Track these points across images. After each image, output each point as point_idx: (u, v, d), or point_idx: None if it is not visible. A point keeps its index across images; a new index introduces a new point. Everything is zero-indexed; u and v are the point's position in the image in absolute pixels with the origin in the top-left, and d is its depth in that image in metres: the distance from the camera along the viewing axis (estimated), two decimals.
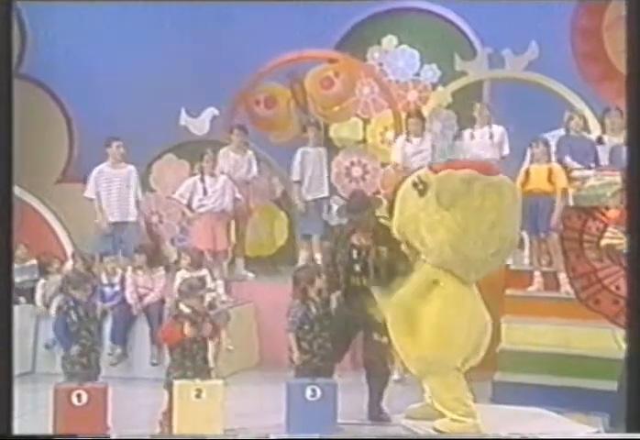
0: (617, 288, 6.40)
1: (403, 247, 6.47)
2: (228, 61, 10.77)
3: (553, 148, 8.55)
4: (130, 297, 8.90)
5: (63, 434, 6.13)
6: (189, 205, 9.51)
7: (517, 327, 7.70)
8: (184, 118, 10.33)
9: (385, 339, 6.58)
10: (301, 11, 10.54)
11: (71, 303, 6.89)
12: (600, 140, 8.87)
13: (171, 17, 10.82)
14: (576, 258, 7.49)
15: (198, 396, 6.24)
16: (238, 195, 9.68)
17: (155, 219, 10.55)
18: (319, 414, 6.41)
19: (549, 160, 8.31)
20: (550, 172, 8.18)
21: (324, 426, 6.33)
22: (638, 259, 4.85)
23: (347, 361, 7.41)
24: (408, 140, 9.53)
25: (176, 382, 6.35)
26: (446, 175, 6.11)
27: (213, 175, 9.51)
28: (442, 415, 6.29)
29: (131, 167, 9.60)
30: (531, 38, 10.21)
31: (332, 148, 10.63)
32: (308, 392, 6.46)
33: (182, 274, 8.75)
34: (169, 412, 6.40)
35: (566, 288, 7.82)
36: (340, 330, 6.90)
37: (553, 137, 9.05)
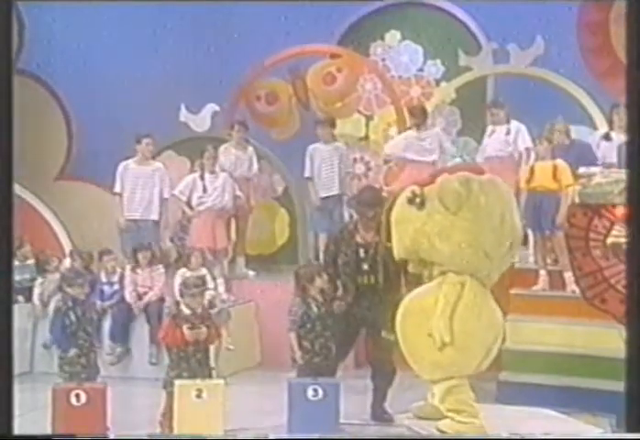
0: (624, 287, 6.39)
1: (412, 267, 6.38)
2: (229, 56, 10.77)
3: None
4: (129, 296, 8.91)
5: (63, 433, 6.14)
6: (188, 203, 9.50)
7: (522, 327, 7.71)
8: (184, 114, 10.33)
9: (393, 337, 6.57)
10: (303, 6, 10.53)
11: (69, 303, 6.89)
12: (607, 137, 8.87)
13: (171, 13, 10.81)
14: (582, 257, 7.50)
15: (199, 396, 6.23)
16: (239, 193, 9.67)
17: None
18: (321, 415, 6.40)
19: (554, 157, 8.31)
20: (555, 169, 8.18)
21: (326, 427, 6.32)
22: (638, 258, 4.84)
23: (350, 360, 7.42)
24: (414, 136, 9.54)
25: (176, 382, 6.35)
26: (444, 181, 6.15)
27: (213, 172, 9.50)
28: (446, 415, 6.29)
29: (159, 164, 9.56)
30: (536, 33, 10.20)
31: None
32: (310, 392, 6.45)
33: (182, 273, 8.76)
34: (169, 413, 6.41)
35: (572, 287, 7.83)
36: (344, 329, 6.90)
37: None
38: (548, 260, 8.31)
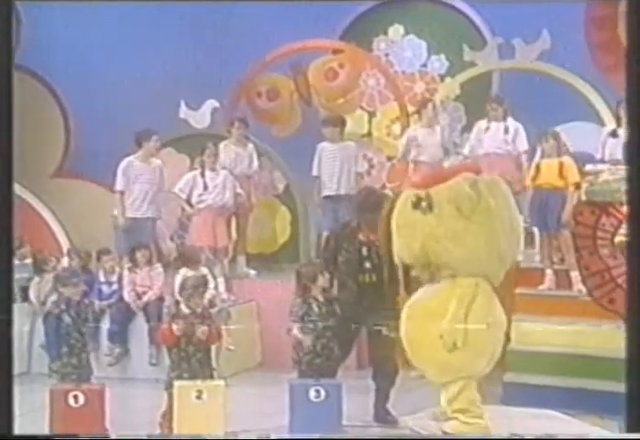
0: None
1: (415, 271, 6.37)
2: (229, 52, 10.76)
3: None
4: (128, 295, 8.91)
5: (61, 434, 6.15)
6: (188, 201, 9.50)
7: (528, 327, 7.70)
8: (184, 111, 10.33)
9: (394, 334, 6.57)
10: (304, 1, 10.53)
11: (62, 306, 6.89)
12: (614, 133, 8.86)
13: (170, 8, 10.80)
14: (589, 256, 7.49)
15: (199, 397, 6.24)
16: (239, 190, 9.67)
17: None
18: (323, 416, 6.41)
19: (560, 154, 8.31)
20: (561, 166, 8.17)
21: (328, 428, 6.33)
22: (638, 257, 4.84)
23: (352, 361, 7.42)
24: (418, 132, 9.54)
25: (176, 383, 6.36)
26: (455, 184, 6.13)
27: (213, 169, 9.50)
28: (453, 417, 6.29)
29: (159, 161, 9.48)
30: (542, 27, 10.19)
31: None
32: (312, 393, 6.46)
33: (183, 272, 8.75)
34: (169, 414, 6.41)
35: (578, 286, 7.82)
36: (344, 329, 6.90)
37: (565, 130, 9.04)
38: (554, 259, 8.30)
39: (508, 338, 7.16)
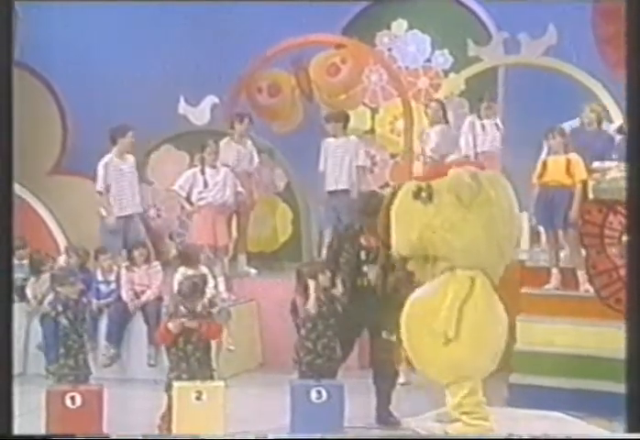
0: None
1: (412, 264, 6.37)
2: (229, 47, 10.75)
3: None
4: (126, 295, 8.91)
5: (58, 434, 6.16)
6: (188, 198, 9.50)
7: (534, 327, 7.69)
8: (183, 107, 10.30)
9: (394, 338, 6.58)
10: None
11: (60, 307, 6.89)
12: (621, 130, 8.85)
13: (170, 3, 10.80)
14: (596, 255, 7.49)
15: (198, 398, 6.25)
16: (240, 188, 9.67)
17: (153, 213, 10.55)
18: (325, 417, 6.42)
19: (567, 151, 8.30)
20: (568, 163, 8.15)
21: (330, 430, 6.34)
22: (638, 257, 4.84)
23: (353, 362, 7.42)
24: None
25: (175, 384, 6.37)
26: (455, 174, 6.18)
27: (214, 167, 9.50)
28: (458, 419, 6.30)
29: (131, 156, 9.46)
30: (549, 22, 10.17)
31: None
32: (313, 394, 6.47)
33: (182, 271, 8.75)
34: (168, 415, 6.42)
35: (585, 286, 7.82)
36: (344, 329, 6.92)
37: (570, 126, 9.04)
38: (561, 258, 8.29)
39: (513, 339, 7.17)
